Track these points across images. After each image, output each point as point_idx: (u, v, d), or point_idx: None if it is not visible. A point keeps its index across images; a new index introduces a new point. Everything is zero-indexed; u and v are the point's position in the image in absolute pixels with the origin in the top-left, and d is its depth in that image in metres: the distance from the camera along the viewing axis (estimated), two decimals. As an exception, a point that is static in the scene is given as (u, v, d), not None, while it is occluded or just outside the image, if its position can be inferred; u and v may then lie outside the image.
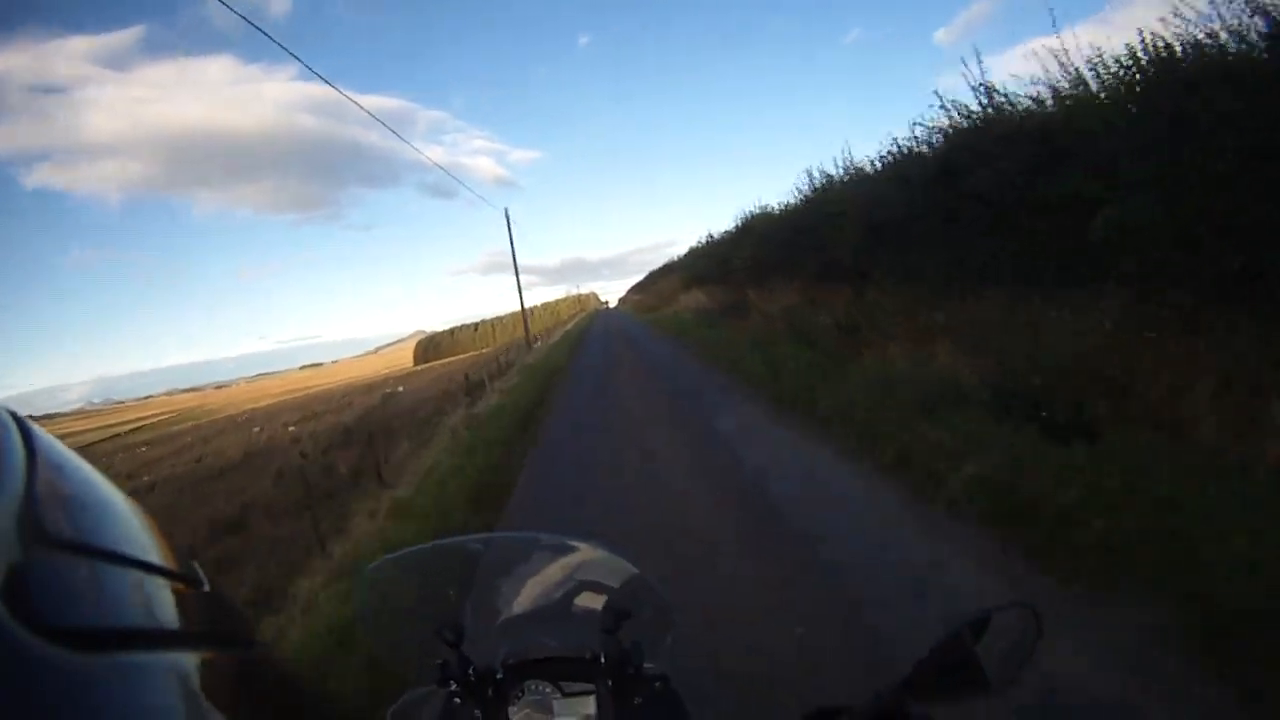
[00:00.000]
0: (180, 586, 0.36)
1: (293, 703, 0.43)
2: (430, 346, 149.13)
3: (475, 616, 1.13)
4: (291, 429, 32.51)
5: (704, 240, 25.58)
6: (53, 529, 0.29)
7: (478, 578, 1.17)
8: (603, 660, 1.03)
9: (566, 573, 1.14)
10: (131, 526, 0.36)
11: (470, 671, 1.04)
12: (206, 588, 0.39)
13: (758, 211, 16.62)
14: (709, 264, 22.30)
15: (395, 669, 1.21)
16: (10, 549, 0.26)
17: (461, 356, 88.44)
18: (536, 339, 34.13)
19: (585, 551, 1.13)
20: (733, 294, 17.51)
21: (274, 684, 0.41)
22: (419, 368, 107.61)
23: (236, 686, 0.36)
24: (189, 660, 0.32)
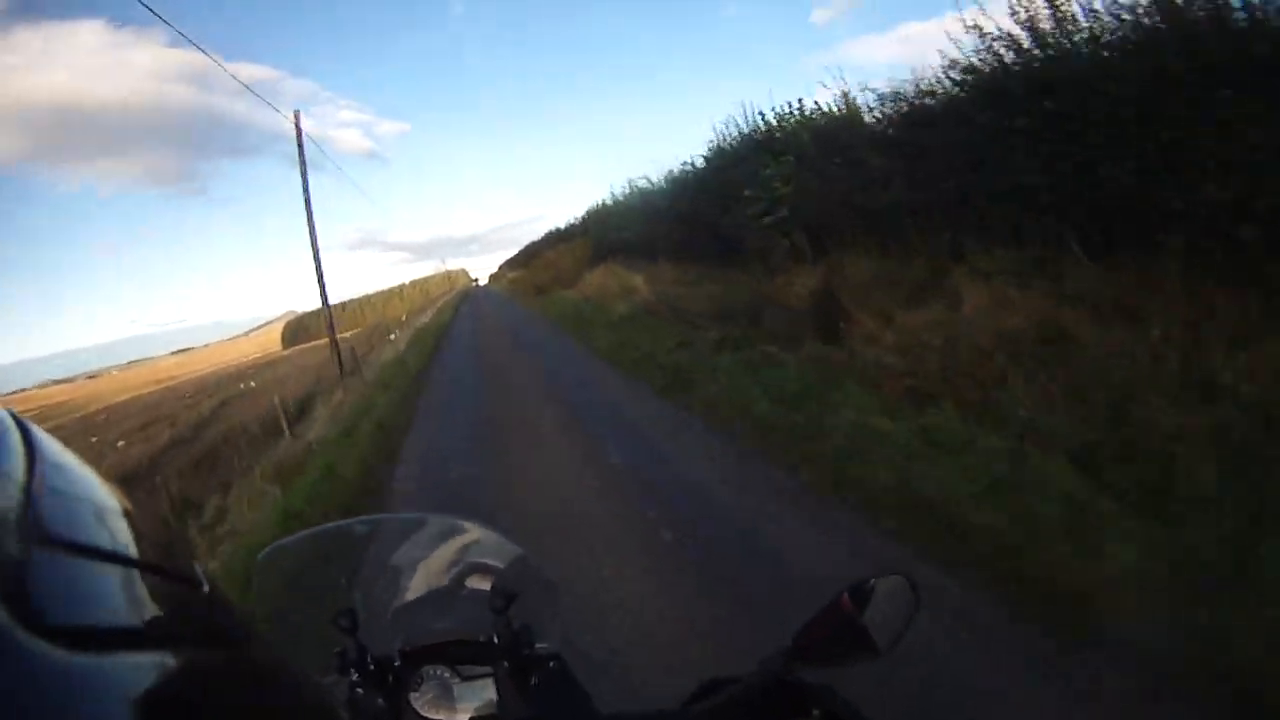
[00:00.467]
0: (180, 586, 0.37)
1: (292, 704, 0.42)
2: (299, 328, 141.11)
3: (368, 602, 1.13)
4: (120, 444, 28.57)
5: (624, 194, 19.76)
6: (53, 529, 0.29)
7: (368, 561, 1.19)
8: (496, 642, 1.02)
9: (455, 554, 1.17)
10: (132, 527, 0.36)
11: (368, 659, 1.02)
12: (206, 588, 0.39)
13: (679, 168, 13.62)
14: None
15: (297, 659, 0.84)
16: (10, 549, 0.26)
17: (327, 340, 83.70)
18: (392, 332, 30.59)
19: (471, 532, 1.18)
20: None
21: (274, 684, 0.41)
22: (286, 351, 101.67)
23: (236, 686, 0.36)
24: (189, 660, 0.32)
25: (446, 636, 1.10)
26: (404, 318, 36.22)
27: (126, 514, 0.37)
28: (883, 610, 0.82)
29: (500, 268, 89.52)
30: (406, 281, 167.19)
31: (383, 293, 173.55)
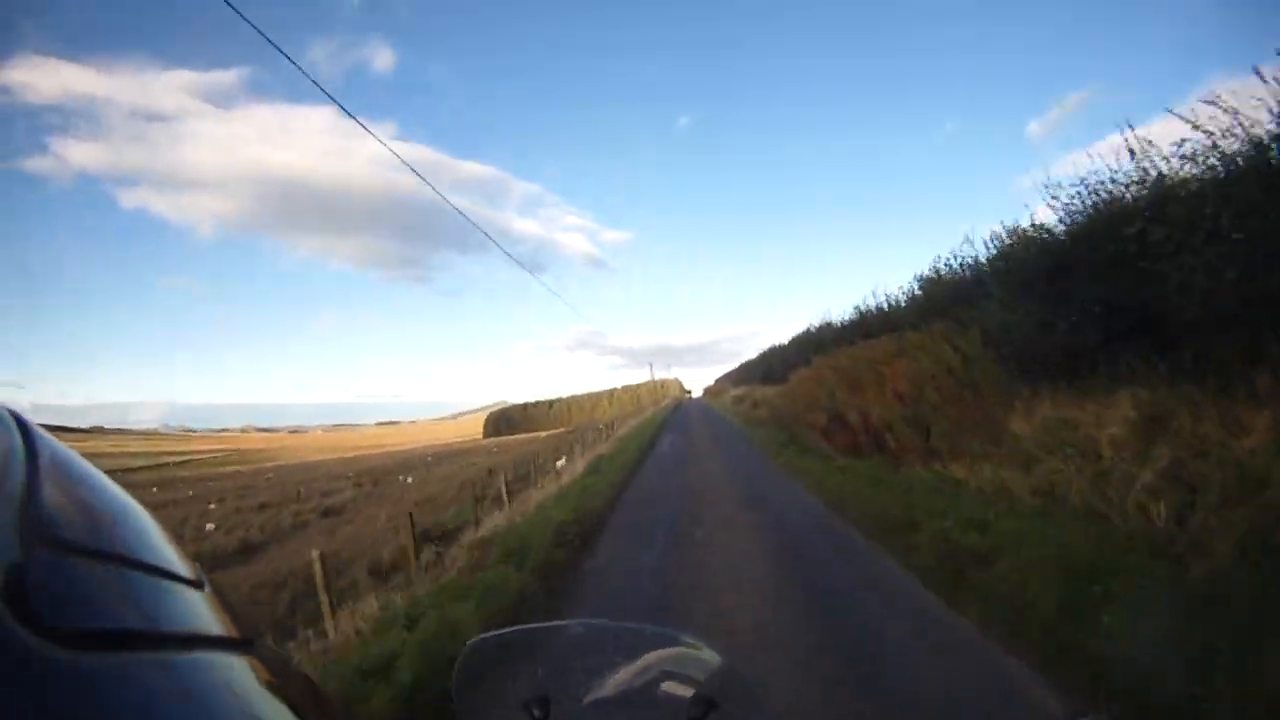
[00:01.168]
0: (180, 587, 0.36)
1: (293, 704, 0.41)
2: (502, 420, 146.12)
3: (563, 695, 1.16)
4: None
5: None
6: (53, 529, 0.29)
7: (570, 659, 1.23)
8: None
9: (656, 660, 1.18)
10: (132, 527, 0.36)
11: None
12: (206, 588, 0.39)
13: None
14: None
15: None
16: (10, 549, 0.26)
17: (528, 436, 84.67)
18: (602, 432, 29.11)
19: (678, 641, 1.22)
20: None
21: (274, 685, 0.40)
22: (486, 440, 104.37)
23: (236, 687, 0.36)
24: (189, 661, 0.33)
25: None
26: (602, 427, 32.85)
27: (126, 515, 0.37)
28: None
29: (717, 381, 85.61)
30: (619, 386, 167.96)
31: (592, 395, 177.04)
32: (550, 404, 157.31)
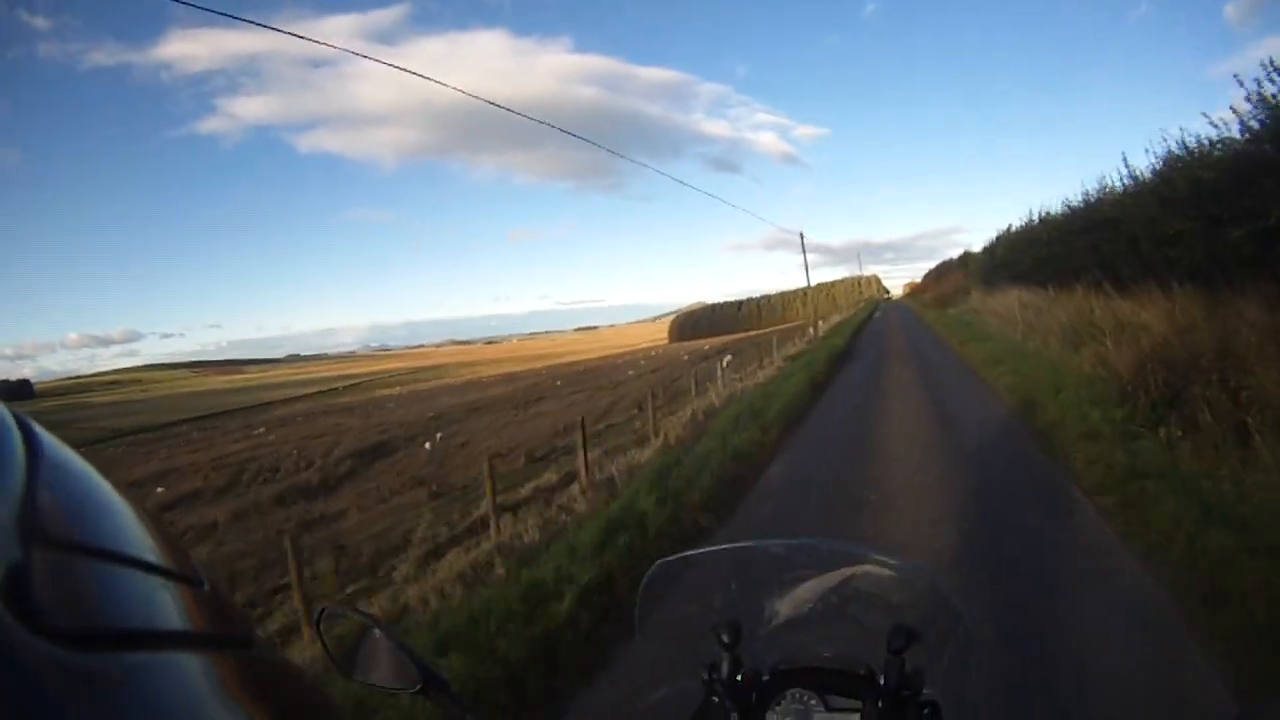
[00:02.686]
0: (180, 586, 0.36)
1: (293, 703, 0.42)
2: (688, 324, 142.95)
3: (753, 619, 1.12)
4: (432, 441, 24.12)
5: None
6: (53, 529, 0.29)
7: (765, 580, 1.16)
8: (882, 681, 0.98)
9: (853, 581, 1.12)
10: (132, 526, 0.36)
11: (738, 674, 1.03)
12: (206, 588, 0.39)
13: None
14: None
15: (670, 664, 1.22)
16: (10, 549, 0.26)
17: (715, 340, 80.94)
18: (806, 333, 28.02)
19: (878, 559, 1.12)
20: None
21: (274, 684, 0.41)
22: (672, 345, 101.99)
23: (236, 687, 0.36)
24: (189, 660, 0.33)
25: (823, 663, 1.08)
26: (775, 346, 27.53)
27: (126, 514, 0.37)
28: None
29: (922, 279, 75.99)
30: (812, 284, 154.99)
31: (783, 294, 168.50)
32: (739, 305, 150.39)
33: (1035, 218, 16.51)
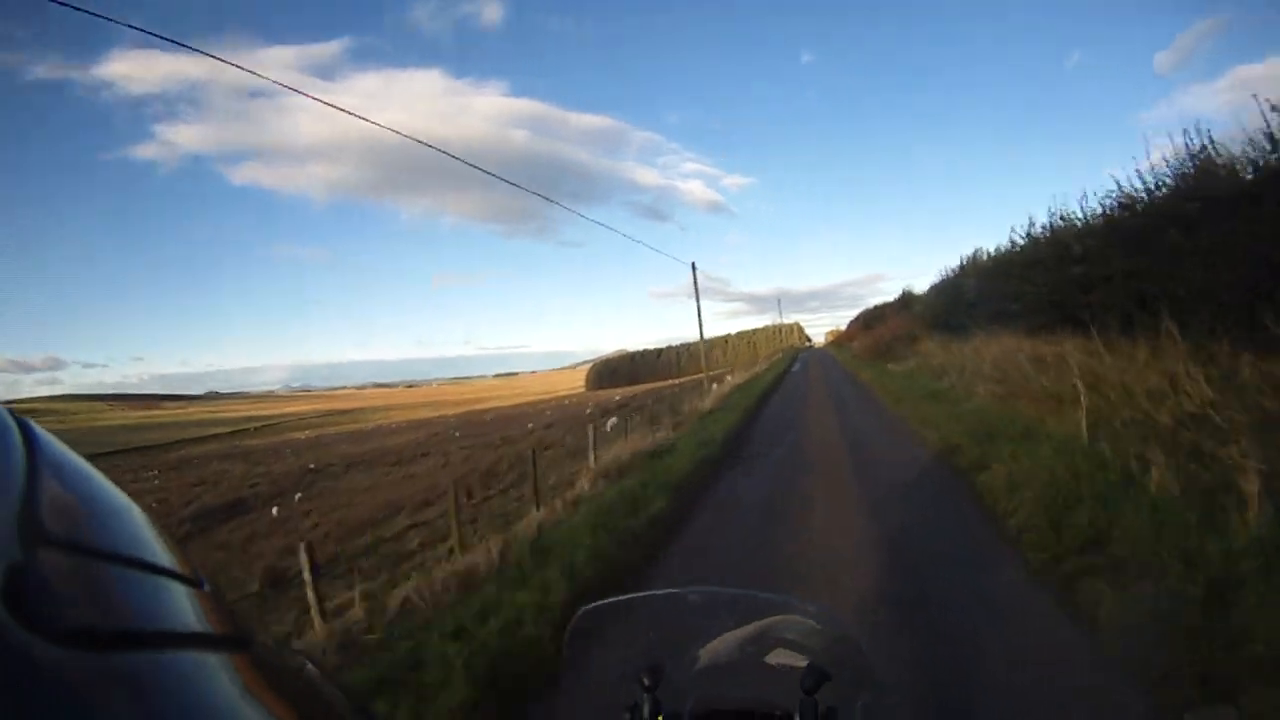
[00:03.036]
0: (180, 586, 0.36)
1: (293, 704, 0.41)
2: (605, 372, 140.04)
3: (673, 663, 1.15)
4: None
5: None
6: (53, 529, 0.29)
7: (685, 626, 1.21)
8: (796, 719, 1.04)
9: (770, 628, 1.18)
10: (131, 526, 0.37)
11: (658, 716, 1.07)
12: (206, 588, 0.39)
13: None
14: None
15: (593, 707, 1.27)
16: (10, 549, 0.26)
17: (629, 390, 79.14)
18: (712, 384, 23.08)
19: (794, 608, 1.19)
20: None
21: (274, 684, 0.40)
22: (588, 392, 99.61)
23: (236, 687, 0.36)
24: (188, 661, 0.33)
25: (741, 704, 1.13)
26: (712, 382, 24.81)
27: (126, 514, 0.37)
28: None
29: (850, 326, 74.76)
30: (733, 332, 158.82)
31: (705, 342, 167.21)
32: (659, 353, 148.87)
33: (1042, 227, 11.01)
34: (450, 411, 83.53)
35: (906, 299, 32.27)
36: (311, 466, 34.42)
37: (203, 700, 0.31)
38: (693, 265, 22.76)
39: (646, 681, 1.06)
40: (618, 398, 56.36)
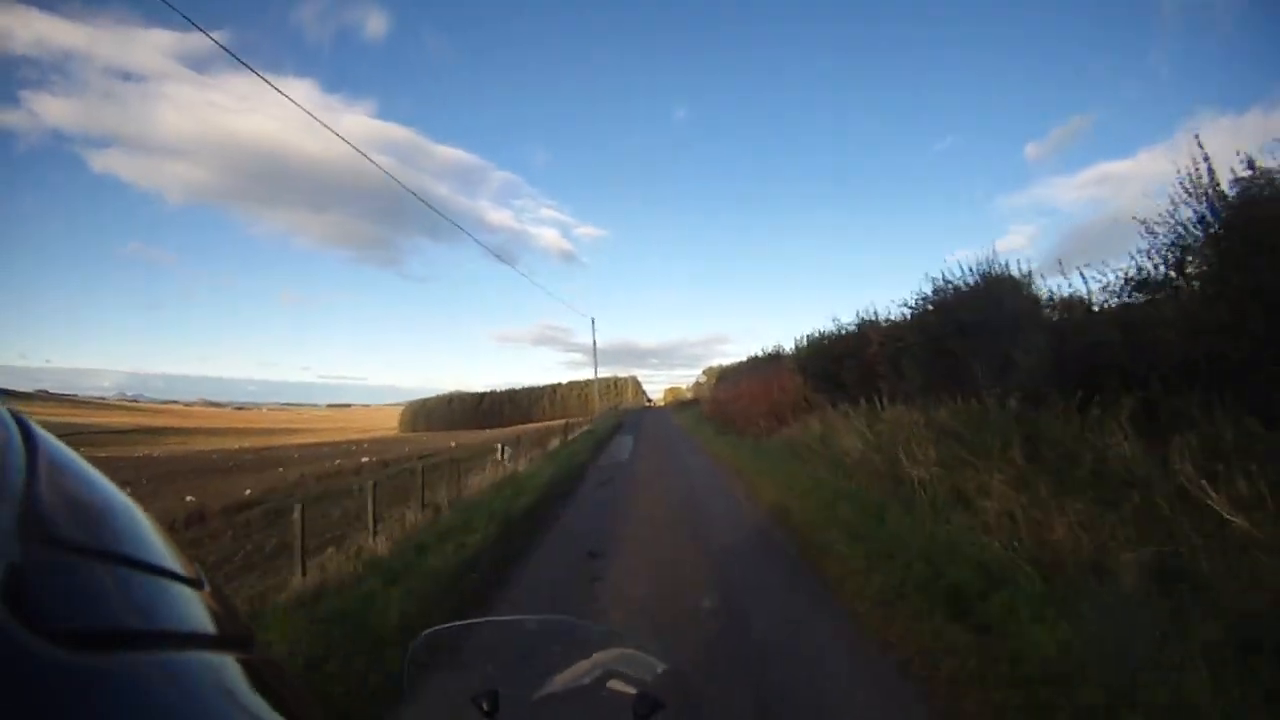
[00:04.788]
0: (180, 587, 0.36)
1: (291, 704, 0.41)
2: (421, 414, 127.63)
3: (513, 689, 1.17)
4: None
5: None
6: (53, 529, 0.29)
7: (522, 653, 1.30)
8: None
9: (605, 660, 1.24)
10: (132, 527, 0.36)
11: None
12: (206, 588, 0.39)
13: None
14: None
15: None
16: (10, 549, 0.26)
17: (437, 437, 70.02)
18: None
19: (624, 640, 1.32)
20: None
21: (272, 685, 0.40)
22: (399, 435, 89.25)
23: (235, 687, 0.36)
24: (188, 661, 0.33)
25: None
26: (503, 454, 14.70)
27: (127, 514, 0.36)
28: None
29: (696, 384, 66.96)
30: (564, 381, 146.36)
31: (531, 390, 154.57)
32: (481, 398, 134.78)
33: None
34: (259, 440, 73.11)
35: (797, 353, 21.39)
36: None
37: (203, 700, 0.31)
38: (592, 320, 19.47)
39: (485, 707, 1.06)
40: (406, 450, 47.30)
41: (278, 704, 0.37)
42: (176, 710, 0.29)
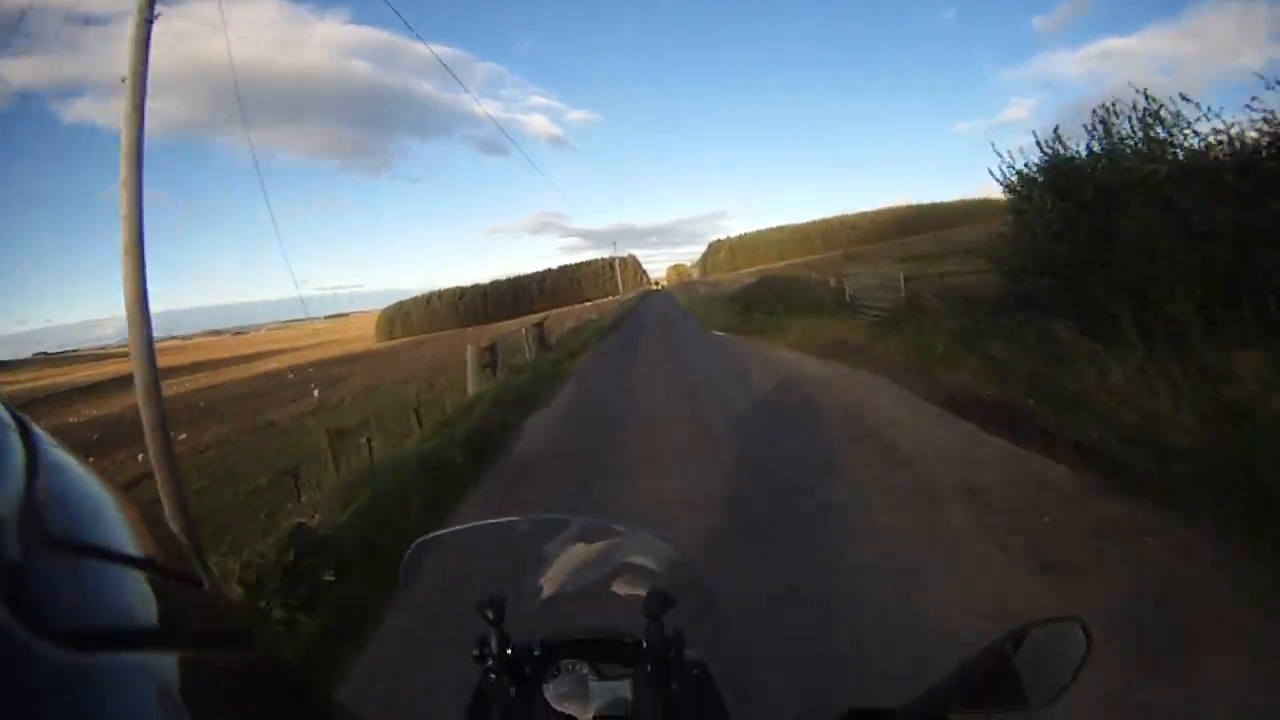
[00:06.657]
0: (180, 586, 0.37)
1: (292, 703, 0.42)
2: (398, 319, 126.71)
3: (518, 595, 1.14)
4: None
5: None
6: (53, 529, 0.29)
7: (523, 557, 1.21)
8: (645, 645, 1.01)
9: (611, 555, 1.17)
10: (132, 526, 0.36)
11: (508, 649, 1.04)
12: (207, 587, 0.39)
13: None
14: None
15: (440, 643, 1.30)
16: (10, 549, 0.26)
17: (410, 341, 74.28)
18: None
19: (631, 535, 1.19)
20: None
21: (274, 684, 0.41)
22: (377, 344, 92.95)
23: (236, 687, 0.36)
24: (189, 660, 0.32)
25: (591, 633, 1.12)
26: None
27: (126, 513, 0.36)
28: (1048, 656, 0.78)
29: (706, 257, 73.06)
30: (554, 267, 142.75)
31: (517, 280, 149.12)
32: (461, 294, 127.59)
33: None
34: (248, 369, 67.15)
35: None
36: None
37: (203, 700, 0.31)
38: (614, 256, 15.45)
39: (490, 615, 1.01)
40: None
41: (278, 702, 0.38)
42: (177, 710, 0.29)
